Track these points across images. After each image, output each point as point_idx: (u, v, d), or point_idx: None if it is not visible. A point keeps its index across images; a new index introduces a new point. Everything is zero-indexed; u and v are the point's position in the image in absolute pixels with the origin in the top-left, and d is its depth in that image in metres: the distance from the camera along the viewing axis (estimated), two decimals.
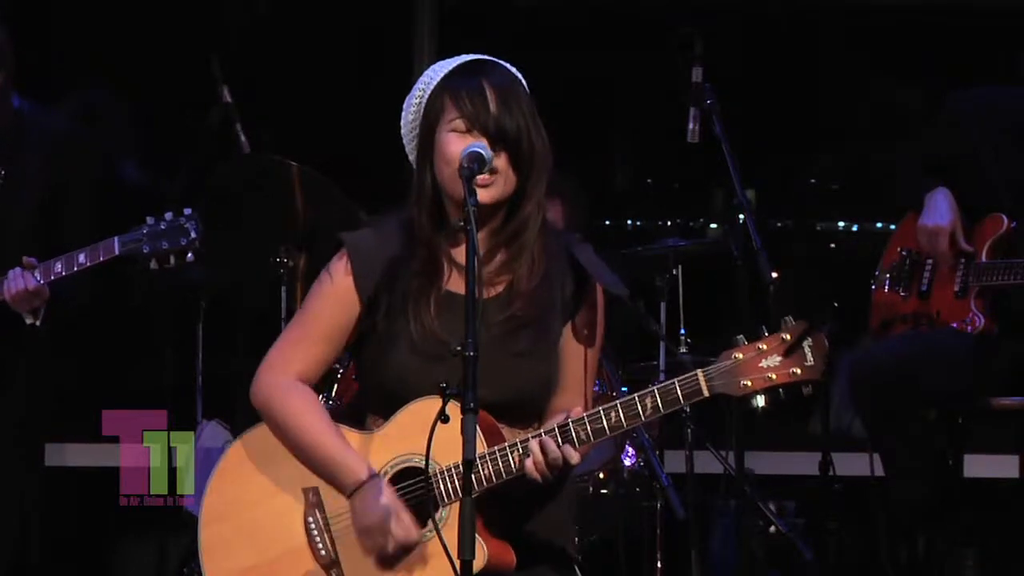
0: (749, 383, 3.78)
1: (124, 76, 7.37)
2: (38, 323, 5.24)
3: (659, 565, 5.81)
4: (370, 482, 3.92)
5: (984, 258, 5.69)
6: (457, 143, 3.92)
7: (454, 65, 4.03)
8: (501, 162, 3.94)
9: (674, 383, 3.81)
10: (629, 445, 5.83)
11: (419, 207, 4.00)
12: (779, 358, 3.77)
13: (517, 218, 3.98)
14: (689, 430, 5.95)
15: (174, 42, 7.44)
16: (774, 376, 3.77)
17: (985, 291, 5.67)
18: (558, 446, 3.83)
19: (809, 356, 3.77)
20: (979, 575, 6.00)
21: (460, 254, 3.88)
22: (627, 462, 5.85)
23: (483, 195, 3.91)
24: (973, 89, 5.95)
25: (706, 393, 3.80)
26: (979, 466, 6.33)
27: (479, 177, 3.89)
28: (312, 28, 7.63)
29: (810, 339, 3.76)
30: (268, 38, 7.57)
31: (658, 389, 3.82)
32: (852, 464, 6.08)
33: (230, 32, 7.57)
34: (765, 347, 3.78)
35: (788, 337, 3.77)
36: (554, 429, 3.85)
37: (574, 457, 3.85)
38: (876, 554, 6.06)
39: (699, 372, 3.80)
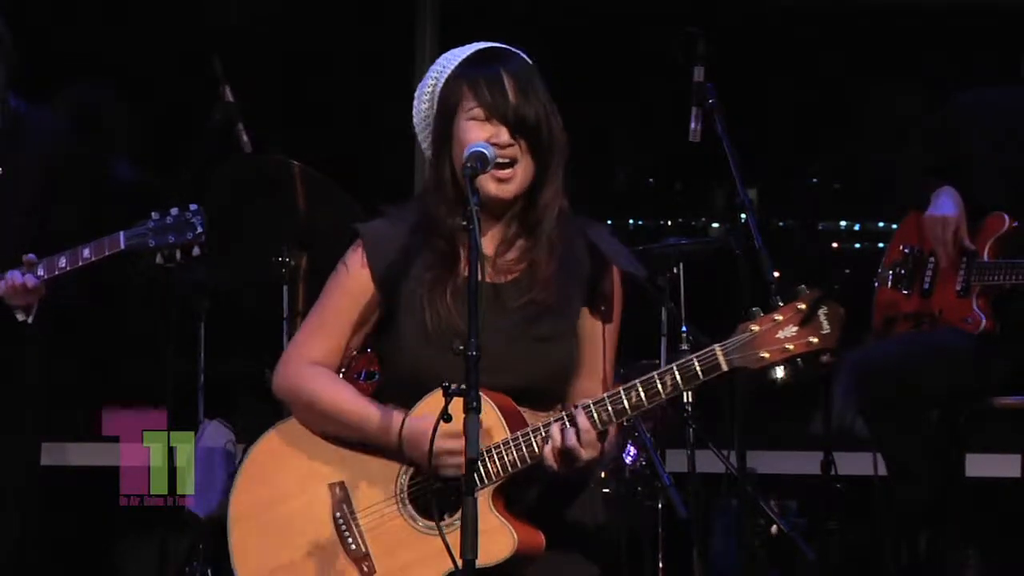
0: (767, 355, 3.75)
1: (124, 76, 7.37)
2: (29, 320, 5.24)
3: (660, 564, 5.81)
4: (408, 422, 3.91)
5: (986, 257, 5.70)
6: (477, 131, 3.93)
7: (469, 53, 4.03)
8: (519, 152, 3.95)
9: (692, 359, 3.79)
10: (631, 444, 5.83)
11: (437, 197, 4.00)
12: (795, 328, 3.73)
13: (537, 207, 3.99)
14: (691, 429, 5.94)
15: (175, 42, 7.44)
16: (791, 346, 3.74)
17: (987, 290, 5.68)
18: (576, 434, 3.82)
19: (825, 324, 3.73)
20: (981, 574, 6.00)
21: (482, 242, 3.88)
22: (628, 461, 5.85)
23: (503, 190, 3.95)
24: (974, 89, 5.96)
25: (725, 367, 3.77)
26: (981, 465, 6.34)
27: (500, 172, 3.93)
28: (313, 28, 7.63)
29: (825, 307, 3.73)
30: (269, 38, 7.57)
31: (677, 366, 3.81)
32: (854, 463, 6.07)
33: (231, 32, 7.58)
34: (781, 318, 3.75)
35: (803, 306, 3.74)
36: (572, 412, 3.84)
37: (588, 451, 3.84)
38: (878, 554, 6.05)
39: (717, 347, 3.78)
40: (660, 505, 5.79)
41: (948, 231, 5.69)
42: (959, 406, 5.79)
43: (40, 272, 5.16)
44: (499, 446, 3.86)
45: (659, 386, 3.81)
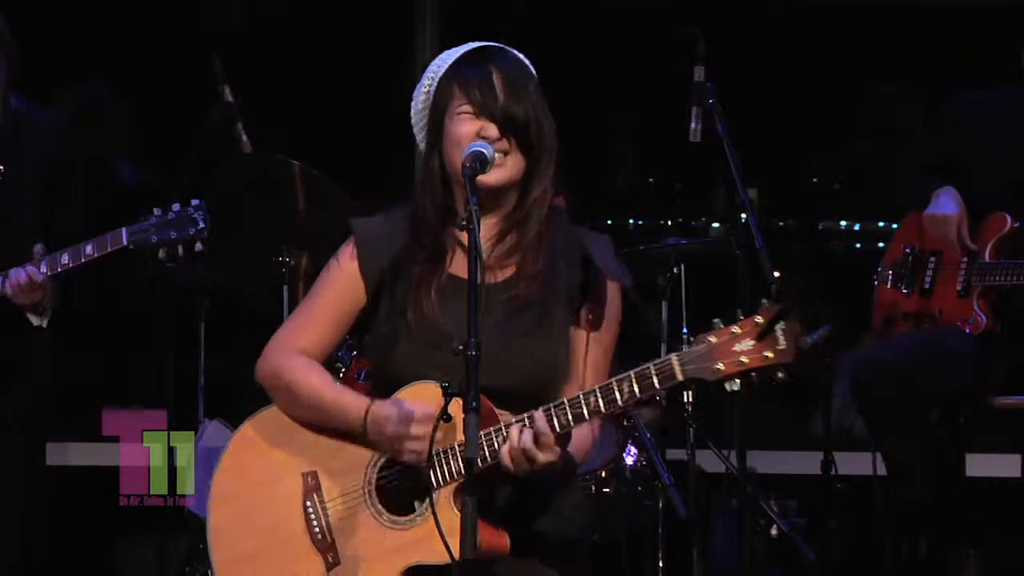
0: (722, 367, 3.70)
1: (124, 76, 7.37)
2: (44, 324, 5.25)
3: (661, 564, 5.81)
4: (373, 405, 3.94)
5: (988, 257, 5.70)
6: (468, 125, 3.96)
7: (462, 52, 4.06)
8: (508, 148, 3.97)
9: (649, 367, 3.77)
10: (631, 444, 5.83)
11: (426, 192, 4.04)
12: (752, 342, 3.69)
13: (526, 204, 4.01)
14: (691, 429, 5.95)
15: (174, 42, 7.44)
16: (747, 360, 3.69)
17: (988, 291, 5.68)
18: (534, 438, 3.80)
19: (781, 340, 3.68)
20: (982, 575, 6.00)
21: (466, 237, 3.88)
22: (629, 461, 5.85)
23: (491, 176, 3.95)
24: (974, 89, 5.96)
25: (680, 377, 3.73)
26: (981, 465, 6.34)
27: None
28: (313, 28, 7.62)
29: (783, 322, 3.68)
30: (269, 38, 7.57)
31: (634, 374, 3.78)
32: (854, 463, 6.07)
33: (231, 32, 7.58)
34: (739, 331, 3.71)
35: (761, 320, 3.70)
36: (533, 415, 3.83)
37: (546, 453, 3.82)
38: (878, 554, 6.06)
39: (673, 356, 3.75)
40: (660, 505, 5.79)
41: (951, 229, 5.69)
42: (959, 406, 5.80)
43: (43, 268, 5.16)
44: (461, 445, 3.84)
45: (616, 393, 3.80)
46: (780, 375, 3.72)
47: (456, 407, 3.71)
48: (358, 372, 5.64)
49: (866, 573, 6.56)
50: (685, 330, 6.15)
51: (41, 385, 5.48)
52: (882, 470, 5.74)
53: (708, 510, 6.45)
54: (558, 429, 3.82)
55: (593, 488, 5.78)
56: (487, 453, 3.85)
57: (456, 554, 3.68)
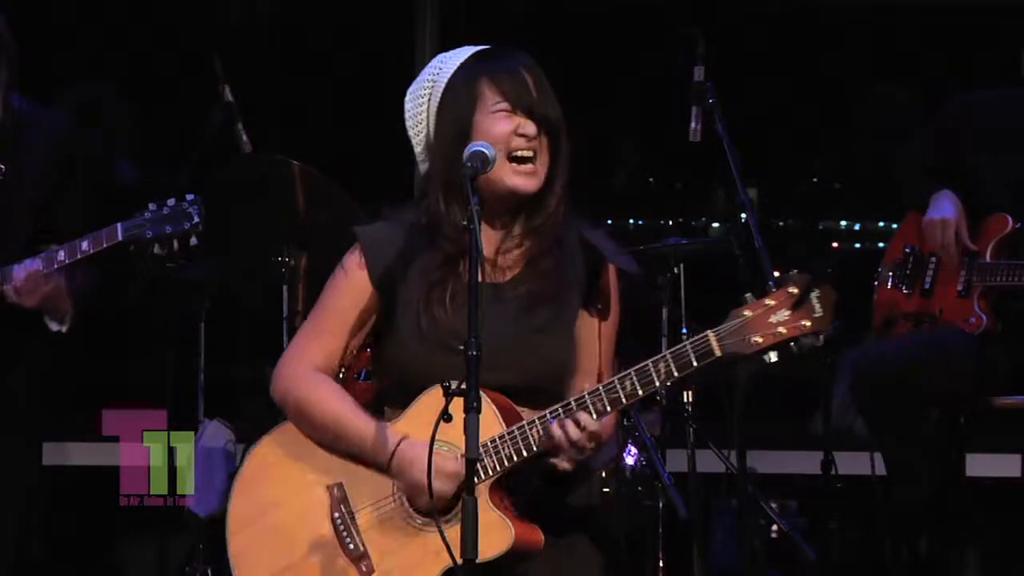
0: (760, 339, 3.74)
1: (124, 76, 7.37)
2: (64, 329, 5.25)
3: (661, 564, 5.81)
4: (403, 443, 3.92)
5: (988, 258, 5.70)
6: (505, 123, 3.94)
7: (475, 50, 4.03)
8: (540, 147, 3.95)
9: (686, 346, 3.78)
10: (631, 444, 5.83)
11: (445, 196, 3.98)
12: (788, 312, 3.73)
13: (544, 207, 4.00)
14: (691, 429, 5.95)
15: (174, 42, 7.44)
16: (784, 330, 3.73)
17: (988, 291, 5.68)
18: (576, 425, 3.81)
19: (817, 307, 3.73)
20: (982, 575, 6.00)
21: (483, 242, 3.87)
22: (629, 461, 5.85)
23: (528, 184, 3.95)
24: (974, 89, 5.96)
25: (718, 353, 3.76)
26: (981, 465, 6.34)
27: (525, 167, 3.93)
28: (313, 28, 7.63)
29: (817, 291, 3.73)
30: (269, 38, 7.58)
31: (671, 353, 3.80)
32: (854, 463, 6.07)
33: (231, 32, 7.59)
34: (773, 302, 3.74)
35: (795, 290, 3.74)
36: (570, 402, 3.84)
37: (592, 442, 3.83)
38: (878, 554, 6.06)
39: (710, 332, 3.77)
40: (660, 505, 5.79)
41: (948, 233, 5.69)
42: (959, 406, 5.80)
43: (39, 266, 5.16)
44: (495, 440, 3.86)
45: (653, 374, 3.81)
46: (816, 341, 3.75)
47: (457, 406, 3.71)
48: (358, 372, 5.63)
49: (866, 573, 6.56)
50: (684, 330, 6.15)
51: (40, 384, 5.47)
52: (882, 470, 5.74)
53: (708, 510, 6.45)
54: (595, 416, 3.83)
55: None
56: (522, 447, 3.85)
57: (474, 558, 3.66)
